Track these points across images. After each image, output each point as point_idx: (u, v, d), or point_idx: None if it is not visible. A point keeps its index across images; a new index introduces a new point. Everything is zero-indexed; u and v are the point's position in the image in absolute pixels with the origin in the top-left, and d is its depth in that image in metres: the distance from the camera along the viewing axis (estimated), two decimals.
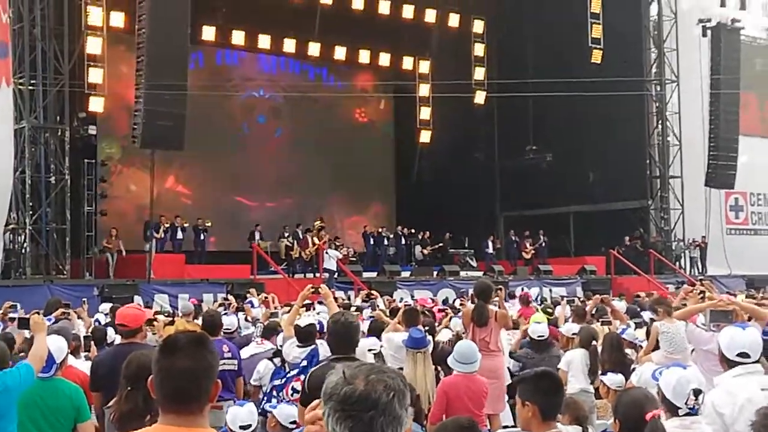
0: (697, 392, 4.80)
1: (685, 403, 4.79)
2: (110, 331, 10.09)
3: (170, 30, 22.15)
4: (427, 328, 9.89)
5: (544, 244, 31.81)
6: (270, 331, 10.46)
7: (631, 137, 31.41)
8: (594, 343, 9.73)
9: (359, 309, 14.01)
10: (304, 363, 7.37)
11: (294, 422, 6.68)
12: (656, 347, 9.40)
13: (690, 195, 31.42)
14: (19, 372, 5.84)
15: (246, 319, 13.60)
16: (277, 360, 8.90)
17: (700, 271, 31.04)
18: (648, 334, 9.92)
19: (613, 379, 7.26)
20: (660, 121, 32.05)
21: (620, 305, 13.77)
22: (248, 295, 17.98)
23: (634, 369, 8.43)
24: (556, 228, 32.60)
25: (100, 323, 12.06)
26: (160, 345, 3.11)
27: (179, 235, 26.55)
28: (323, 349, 7.54)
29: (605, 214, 31.94)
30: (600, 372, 9.12)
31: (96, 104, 24.05)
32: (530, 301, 17.02)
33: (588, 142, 31.51)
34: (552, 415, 4.53)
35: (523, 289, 22.90)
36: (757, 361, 5.39)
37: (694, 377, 4.91)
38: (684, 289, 12.34)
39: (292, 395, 7.27)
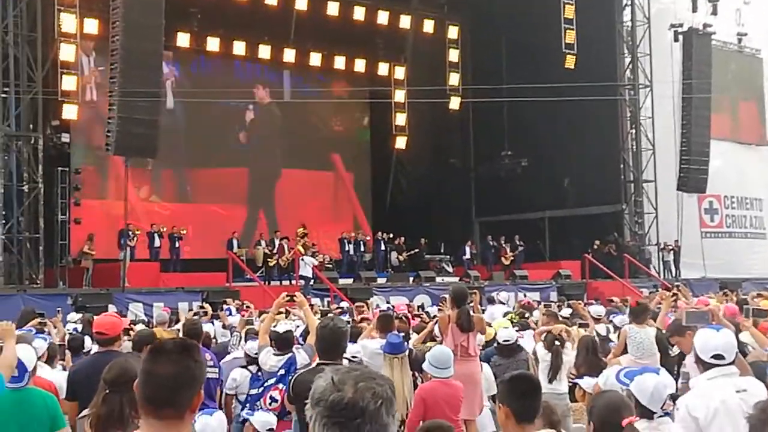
0: (674, 397, 4.80)
1: (662, 408, 4.80)
2: (87, 340, 10.01)
3: (144, 36, 22.02)
4: (402, 334, 9.88)
5: (521, 249, 31.90)
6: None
7: (605, 142, 31.64)
8: (556, 344, 9.79)
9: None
10: (282, 371, 7.33)
11: (270, 429, 6.67)
12: (625, 350, 9.47)
13: (663, 199, 31.59)
14: None
15: (223, 327, 13.54)
16: (252, 367, 8.83)
17: (674, 274, 31.22)
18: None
19: (589, 383, 7.28)
20: (633, 126, 32.26)
21: (599, 309, 13.83)
22: (225, 303, 17.91)
23: None
24: (531, 233, 32.71)
25: (77, 332, 11.97)
26: (149, 348, 3.09)
27: (156, 242, 26.41)
28: (300, 356, 7.50)
29: (580, 219, 32.13)
30: (576, 375, 9.19)
31: (69, 112, 23.88)
32: (532, 308, 16.85)
33: (563, 146, 31.67)
34: (527, 418, 4.50)
35: (525, 296, 23.79)
36: (731, 363, 5.36)
37: (670, 382, 4.90)
38: (660, 293, 12.44)
39: (270, 404, 7.24)
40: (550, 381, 9.55)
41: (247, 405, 7.85)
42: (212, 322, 13.08)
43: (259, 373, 8.53)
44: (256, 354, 8.67)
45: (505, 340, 10.58)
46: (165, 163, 28.45)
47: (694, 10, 31.39)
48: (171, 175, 31.36)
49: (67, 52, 23.08)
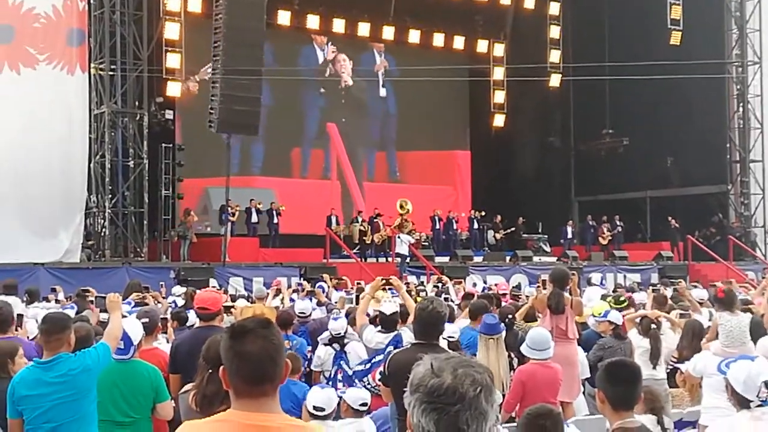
0: None
1: (757, 396, 4.68)
2: (190, 314, 10.21)
3: (246, 14, 22.33)
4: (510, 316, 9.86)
5: (620, 230, 31.34)
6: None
7: (711, 120, 30.78)
8: (653, 328, 9.58)
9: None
10: (390, 348, 7.38)
11: (364, 404, 6.73)
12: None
13: None
14: (97, 352, 5.92)
15: (318, 304, 13.66)
16: (336, 345, 9.00)
17: None
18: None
19: None
20: (741, 104, 31.34)
21: (701, 293, 13.47)
22: (322, 279, 18.08)
23: None
24: (631, 213, 32.17)
25: (176, 306, 12.25)
26: (229, 332, 3.11)
27: (254, 218, 26.75)
28: (407, 335, 7.56)
29: (683, 199, 31.43)
30: (677, 359, 9.01)
31: (173, 89, 24.41)
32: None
33: (666, 125, 30.96)
34: (623, 405, 4.45)
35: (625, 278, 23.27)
36: None
37: (764, 369, 4.77)
38: (766, 279, 12.07)
39: (380, 380, 7.29)
40: (654, 367, 9.37)
41: (330, 382, 8.02)
42: (309, 299, 13.21)
43: (343, 352, 8.82)
44: (337, 334, 8.95)
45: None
46: (266, 139, 28.96)
47: None
48: (271, 151, 31.67)
49: (171, 31, 23.56)
